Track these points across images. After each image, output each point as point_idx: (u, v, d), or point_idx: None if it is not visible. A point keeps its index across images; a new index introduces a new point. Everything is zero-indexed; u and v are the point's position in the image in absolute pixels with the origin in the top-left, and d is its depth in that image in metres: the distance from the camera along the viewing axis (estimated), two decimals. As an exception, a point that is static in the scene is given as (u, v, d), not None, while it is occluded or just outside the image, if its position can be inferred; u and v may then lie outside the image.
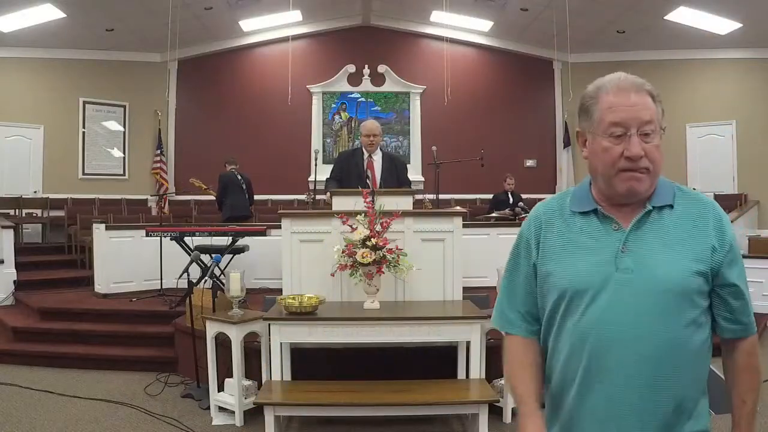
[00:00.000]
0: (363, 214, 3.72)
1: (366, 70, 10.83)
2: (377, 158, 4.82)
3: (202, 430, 3.63)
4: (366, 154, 4.81)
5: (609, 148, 1.22)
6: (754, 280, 6.32)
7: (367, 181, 4.65)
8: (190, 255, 4.61)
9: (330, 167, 5.05)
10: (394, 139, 10.93)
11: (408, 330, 3.53)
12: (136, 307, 5.63)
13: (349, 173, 4.77)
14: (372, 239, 3.58)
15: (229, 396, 3.79)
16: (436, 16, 10.29)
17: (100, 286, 6.19)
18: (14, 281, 6.55)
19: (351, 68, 10.86)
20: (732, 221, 8.14)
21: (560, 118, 11.00)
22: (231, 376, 3.79)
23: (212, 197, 7.79)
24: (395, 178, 4.79)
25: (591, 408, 1.23)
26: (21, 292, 6.45)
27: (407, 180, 4.93)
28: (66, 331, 5.30)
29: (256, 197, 8.33)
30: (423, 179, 10.40)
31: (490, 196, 8.64)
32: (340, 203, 4.23)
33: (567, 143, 10.78)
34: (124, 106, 10.44)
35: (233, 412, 3.71)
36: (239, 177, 7.52)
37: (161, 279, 6.15)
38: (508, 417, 3.71)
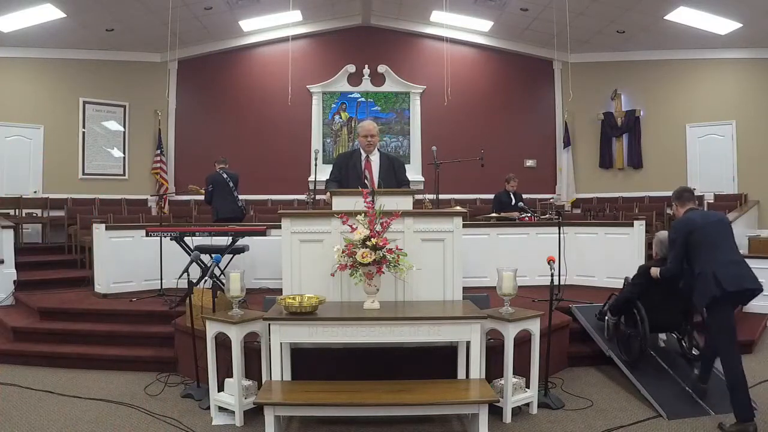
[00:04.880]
0: (363, 214, 3.72)
1: (366, 70, 10.84)
2: (375, 159, 4.83)
3: (202, 430, 3.63)
4: (364, 155, 4.82)
5: None
6: (754, 280, 6.30)
7: (366, 181, 4.65)
8: (190, 255, 4.61)
9: (330, 167, 5.04)
10: (394, 139, 10.94)
11: (408, 330, 3.52)
12: (136, 307, 5.62)
13: (347, 174, 4.78)
14: (372, 239, 3.58)
15: (229, 396, 3.79)
16: (436, 16, 10.29)
17: (100, 286, 6.20)
18: (14, 281, 6.55)
19: (351, 68, 10.87)
20: (732, 221, 8.16)
21: (560, 118, 11.00)
22: (231, 376, 3.78)
23: None
24: (393, 178, 4.79)
25: None
26: (21, 292, 6.45)
27: (406, 180, 4.93)
28: (66, 331, 5.29)
29: (256, 197, 8.35)
30: (423, 179, 10.42)
31: (491, 196, 8.63)
32: (340, 203, 4.22)
33: (567, 143, 10.78)
34: (124, 106, 10.44)
35: (233, 412, 3.71)
36: (226, 176, 7.48)
37: (161, 279, 6.15)
38: (508, 417, 3.70)
